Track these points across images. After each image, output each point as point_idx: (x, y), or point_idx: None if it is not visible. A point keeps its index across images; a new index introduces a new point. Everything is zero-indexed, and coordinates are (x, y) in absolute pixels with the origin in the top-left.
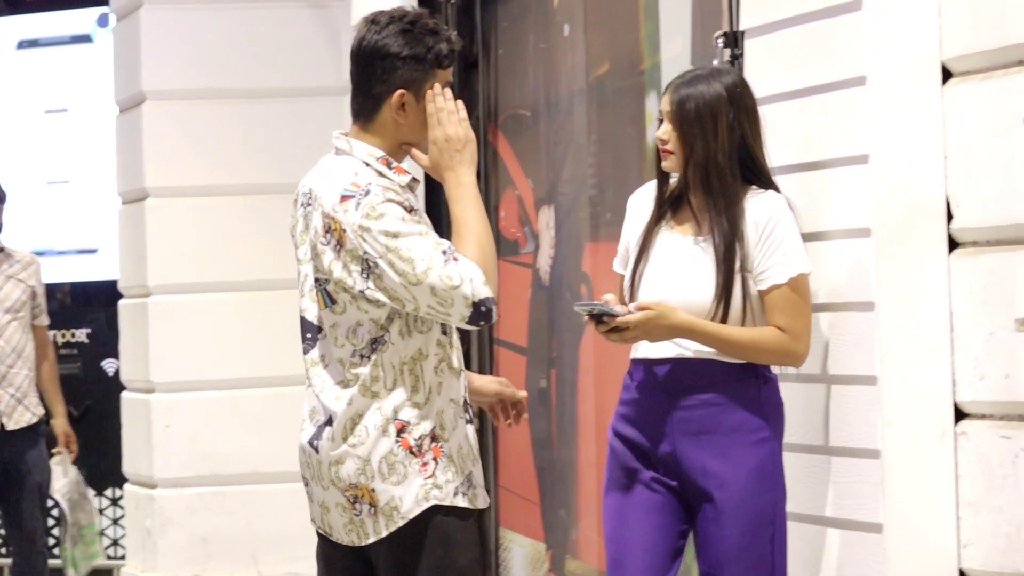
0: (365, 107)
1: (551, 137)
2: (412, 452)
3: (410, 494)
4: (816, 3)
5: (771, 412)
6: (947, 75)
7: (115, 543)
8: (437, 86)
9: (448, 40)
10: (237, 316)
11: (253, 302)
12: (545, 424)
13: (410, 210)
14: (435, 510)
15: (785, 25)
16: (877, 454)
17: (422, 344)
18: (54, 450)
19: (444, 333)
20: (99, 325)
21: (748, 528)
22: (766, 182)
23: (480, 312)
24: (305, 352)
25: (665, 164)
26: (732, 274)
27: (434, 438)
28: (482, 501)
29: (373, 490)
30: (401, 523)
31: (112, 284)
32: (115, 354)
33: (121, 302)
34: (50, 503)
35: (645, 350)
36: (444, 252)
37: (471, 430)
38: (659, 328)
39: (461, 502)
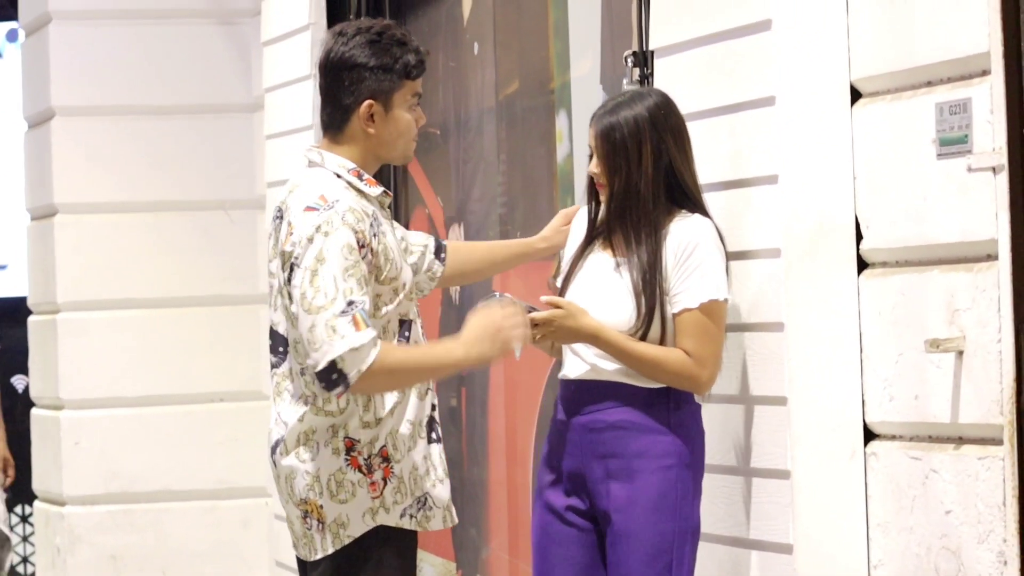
0: (335, 119)
1: (461, 155)
2: (361, 471)
3: (356, 513)
4: (726, 23)
5: (682, 439)
6: (856, 96)
7: (25, 560)
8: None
9: (416, 51)
10: (147, 333)
11: (163, 319)
12: (456, 443)
13: (362, 245)
14: (380, 530)
15: (695, 45)
16: (787, 475)
17: None
18: None
19: None
20: (8, 341)
21: (645, 556)
22: (695, 204)
23: (328, 378)
24: (276, 365)
25: (602, 196)
26: (653, 304)
27: (385, 458)
28: (437, 523)
29: (321, 506)
30: (347, 541)
31: (22, 300)
32: (25, 370)
33: (30, 318)
34: None
35: (565, 369)
36: (349, 304)
37: (436, 450)
38: (564, 328)
39: (407, 524)
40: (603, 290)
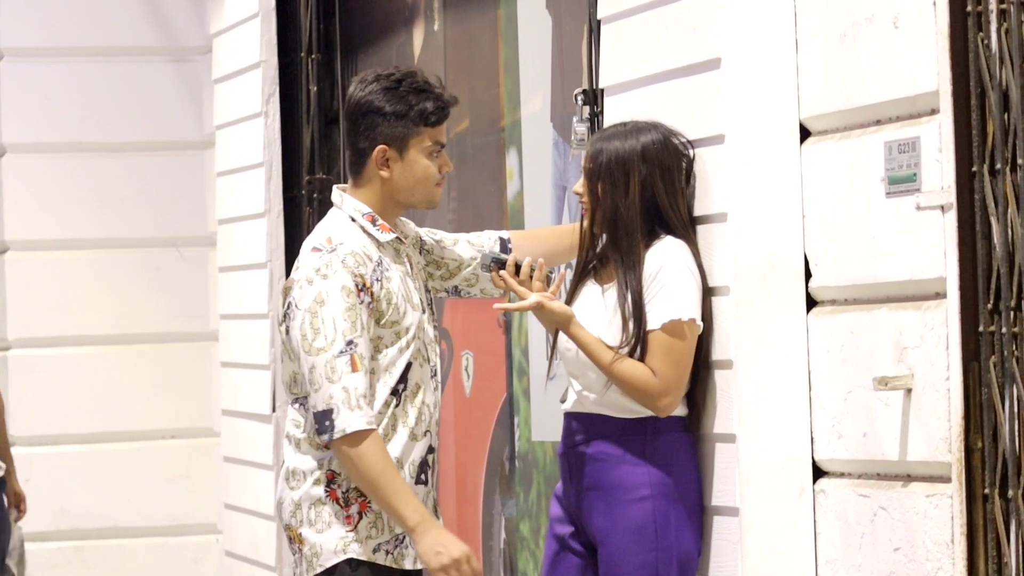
0: (354, 163)
1: None
2: (339, 503)
3: (329, 543)
4: (676, 61)
5: (661, 469)
6: (805, 134)
7: None
8: None
9: (437, 98)
10: (98, 370)
11: (114, 356)
12: None
13: (361, 288)
14: (352, 563)
15: (645, 83)
16: (736, 512)
17: None
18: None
19: (394, 394)
20: None
21: None
22: (675, 231)
23: (322, 423)
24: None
25: (586, 221)
26: (639, 330)
27: (362, 492)
28: (410, 562)
29: (301, 534)
30: (319, 570)
31: None
32: None
33: None
34: None
35: (566, 403)
36: (348, 343)
37: (421, 492)
38: (550, 306)
39: (382, 560)
40: (595, 320)
